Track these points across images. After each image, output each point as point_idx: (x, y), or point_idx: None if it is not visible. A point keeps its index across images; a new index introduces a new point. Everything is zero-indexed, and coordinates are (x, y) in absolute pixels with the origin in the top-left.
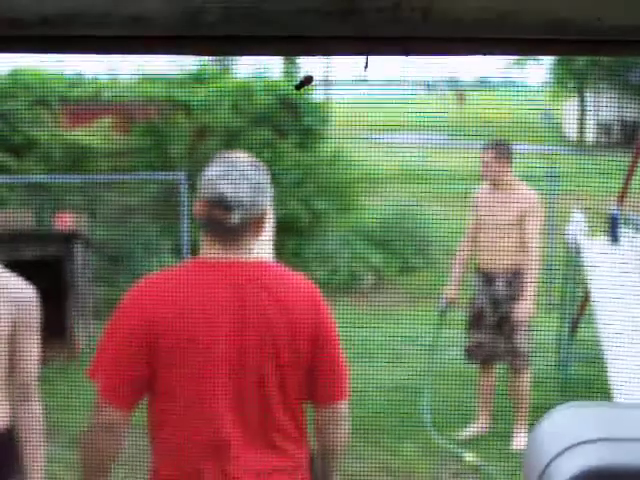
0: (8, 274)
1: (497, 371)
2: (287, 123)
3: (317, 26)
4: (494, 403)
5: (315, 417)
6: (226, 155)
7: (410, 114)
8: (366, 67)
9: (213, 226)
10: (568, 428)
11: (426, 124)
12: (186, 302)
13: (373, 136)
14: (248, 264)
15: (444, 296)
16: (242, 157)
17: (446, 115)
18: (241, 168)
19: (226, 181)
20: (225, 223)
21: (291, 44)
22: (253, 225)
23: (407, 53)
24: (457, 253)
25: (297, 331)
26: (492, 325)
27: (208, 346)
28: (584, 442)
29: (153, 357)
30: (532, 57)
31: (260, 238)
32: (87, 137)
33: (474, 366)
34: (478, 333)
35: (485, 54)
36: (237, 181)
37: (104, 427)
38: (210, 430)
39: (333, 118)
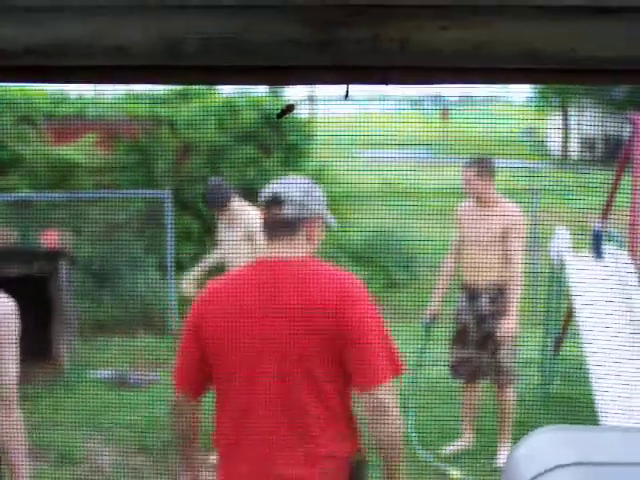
0: None
1: (481, 387)
2: (272, 140)
3: (297, 56)
4: (479, 419)
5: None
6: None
7: (394, 130)
8: (347, 96)
9: (268, 226)
10: (544, 452)
11: (410, 140)
12: (230, 299)
13: (357, 152)
14: (291, 261)
15: (427, 312)
16: (299, 177)
17: (430, 132)
18: (295, 180)
19: (281, 184)
20: (278, 219)
21: (271, 74)
22: (303, 225)
23: (386, 82)
24: (441, 269)
25: (325, 320)
26: (476, 341)
27: (249, 338)
28: (559, 466)
29: (207, 351)
30: (507, 85)
31: (310, 241)
32: (72, 154)
33: (458, 382)
34: (462, 349)
35: (461, 83)
36: (290, 184)
37: (178, 411)
38: (257, 417)
39: (317, 135)
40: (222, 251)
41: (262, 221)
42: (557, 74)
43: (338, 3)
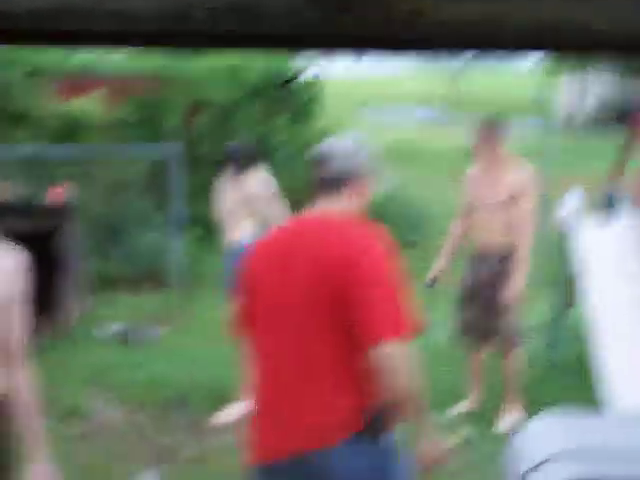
0: None
1: (488, 350)
2: (281, 99)
3: (308, 24)
4: (485, 382)
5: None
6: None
7: (403, 90)
8: (359, 60)
9: (316, 183)
10: (544, 439)
11: (420, 100)
12: (267, 250)
13: (366, 112)
14: (321, 216)
15: (430, 274)
16: (350, 135)
17: (440, 92)
18: (344, 140)
19: (332, 144)
20: (325, 176)
21: (282, 42)
22: (348, 183)
23: (398, 53)
24: (450, 231)
25: (334, 273)
26: (483, 304)
27: (275, 287)
28: (559, 454)
29: (249, 295)
30: (521, 55)
31: (355, 198)
32: (81, 109)
33: (465, 344)
34: (469, 312)
35: (476, 56)
36: (338, 143)
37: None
38: (280, 365)
39: (326, 93)
40: (221, 211)
41: (311, 178)
42: (574, 49)
43: None
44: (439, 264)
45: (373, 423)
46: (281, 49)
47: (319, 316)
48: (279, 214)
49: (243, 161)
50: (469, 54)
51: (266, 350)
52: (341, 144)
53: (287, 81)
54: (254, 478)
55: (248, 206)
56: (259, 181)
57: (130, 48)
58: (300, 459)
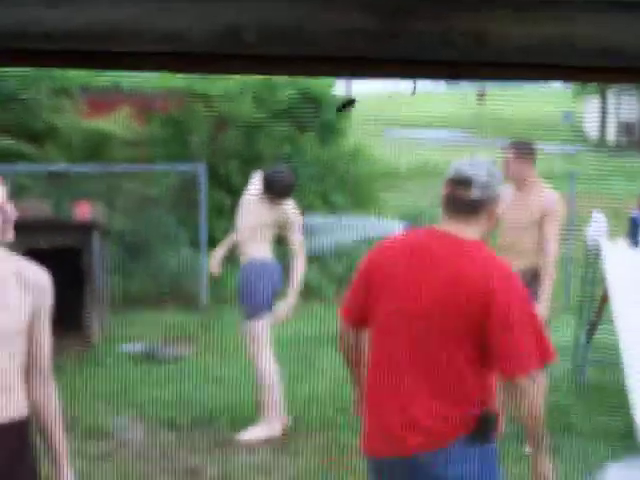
0: (24, 262)
1: None
2: (308, 117)
3: (362, 47)
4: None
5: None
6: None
7: (430, 111)
8: (414, 92)
9: (451, 203)
10: None
11: (446, 121)
12: (395, 256)
13: (393, 132)
14: (457, 238)
15: None
16: (483, 158)
17: (466, 113)
18: (482, 162)
19: (470, 164)
20: (464, 199)
21: (334, 66)
22: (485, 207)
23: (456, 78)
24: None
25: (472, 302)
26: None
27: (402, 295)
28: None
29: (369, 293)
30: (581, 83)
31: (486, 224)
32: (107, 126)
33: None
34: None
35: (538, 80)
36: (478, 166)
37: (343, 338)
38: (397, 363)
39: (353, 113)
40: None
41: (445, 197)
42: (633, 73)
43: None
44: None
45: (481, 430)
46: (333, 74)
47: (448, 330)
48: (300, 243)
49: (281, 189)
50: (533, 80)
51: (383, 350)
52: (481, 168)
53: (344, 105)
54: (367, 463)
55: (279, 230)
56: (293, 209)
57: (179, 71)
58: (408, 459)
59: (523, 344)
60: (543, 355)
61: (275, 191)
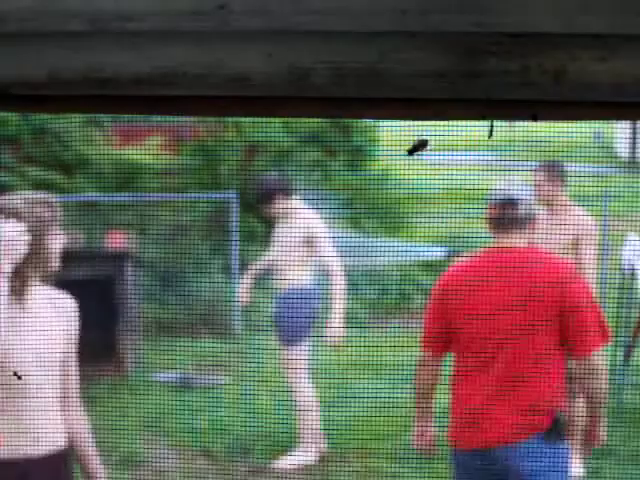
0: (54, 290)
1: None
2: (337, 142)
3: (437, 88)
4: None
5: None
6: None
7: (459, 133)
8: (491, 134)
9: (500, 221)
10: None
11: (476, 143)
12: (468, 277)
13: (422, 155)
14: (519, 249)
15: None
16: (518, 180)
17: (497, 134)
18: (520, 184)
19: (512, 187)
20: (514, 217)
21: (409, 107)
22: (529, 221)
23: (536, 118)
24: None
25: (547, 299)
26: None
27: (482, 308)
28: None
29: (450, 317)
30: None
31: (531, 233)
32: (137, 156)
33: None
34: None
35: (621, 119)
36: (519, 187)
37: (422, 366)
38: (486, 372)
39: (382, 137)
40: (275, 253)
41: (492, 217)
42: None
43: (484, 31)
44: None
45: (556, 430)
46: (405, 114)
47: (532, 331)
48: (334, 260)
49: (268, 190)
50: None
51: (469, 359)
52: (521, 189)
53: (416, 148)
54: (454, 457)
55: (308, 247)
56: (316, 221)
57: (247, 115)
58: (492, 452)
59: (593, 323)
60: (605, 335)
61: (257, 198)
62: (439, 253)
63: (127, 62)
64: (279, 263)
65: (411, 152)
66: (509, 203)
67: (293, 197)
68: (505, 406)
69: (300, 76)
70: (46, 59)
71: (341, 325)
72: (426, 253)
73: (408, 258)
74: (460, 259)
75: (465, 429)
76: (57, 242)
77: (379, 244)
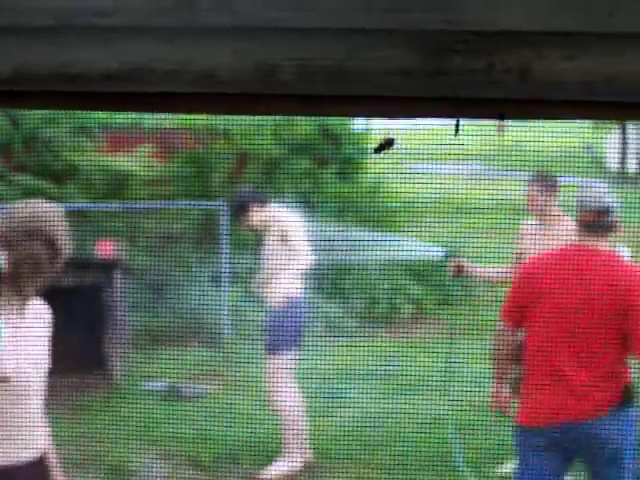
0: (35, 300)
1: None
2: (327, 152)
3: (404, 86)
4: None
5: None
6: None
7: (450, 144)
8: (457, 132)
9: (591, 225)
10: None
11: (466, 154)
12: (552, 266)
13: (413, 166)
14: (600, 250)
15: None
16: (604, 187)
17: (487, 145)
18: (608, 192)
19: (608, 198)
20: (605, 223)
21: (375, 105)
22: (615, 228)
23: (502, 117)
24: (494, 271)
25: (617, 295)
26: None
27: (560, 303)
28: None
29: (530, 297)
30: (634, 121)
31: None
32: (128, 164)
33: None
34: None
35: (588, 118)
36: (612, 197)
37: (500, 336)
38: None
39: (373, 147)
40: (264, 263)
41: (584, 221)
42: None
43: (450, 28)
44: (477, 270)
45: (628, 397)
46: (374, 114)
47: (601, 320)
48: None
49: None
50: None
51: (544, 339)
52: (611, 197)
53: (383, 146)
54: (524, 437)
55: (288, 250)
56: (291, 220)
57: (215, 112)
58: (574, 426)
59: None
60: None
61: (233, 211)
62: (432, 254)
63: (96, 58)
64: (268, 273)
65: (378, 150)
66: (604, 211)
67: (268, 206)
68: (581, 381)
69: (267, 73)
70: (13, 54)
71: (270, 280)
72: (417, 254)
73: (398, 259)
74: (547, 250)
75: (539, 406)
76: (65, 252)
77: (367, 238)
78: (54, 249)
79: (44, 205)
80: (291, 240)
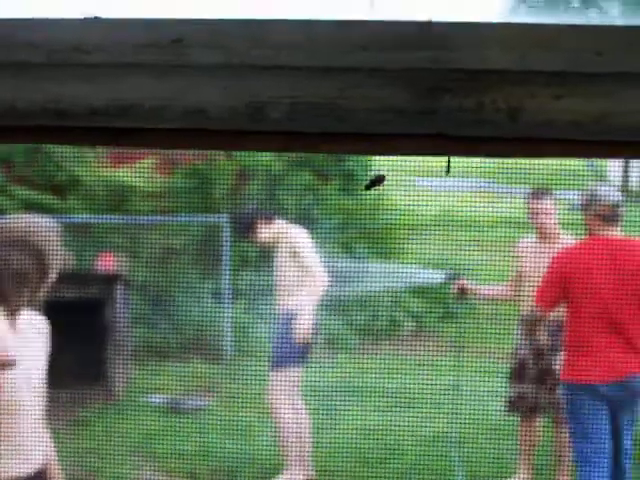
0: (31, 313)
1: (539, 423)
2: (329, 167)
3: (394, 124)
4: (536, 457)
5: None
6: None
7: (452, 159)
8: (448, 170)
9: (608, 218)
10: None
11: (469, 170)
12: (584, 255)
13: (415, 181)
14: (623, 239)
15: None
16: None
17: (488, 161)
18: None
19: (617, 194)
20: (616, 216)
21: (365, 142)
22: (622, 218)
23: (492, 155)
24: (499, 290)
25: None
26: (534, 376)
27: (595, 283)
28: None
29: (566, 282)
30: (624, 158)
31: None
32: (130, 178)
33: (516, 418)
34: (520, 384)
35: (578, 157)
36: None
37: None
38: (590, 331)
39: (375, 162)
40: (275, 278)
41: (605, 215)
42: None
43: (441, 67)
44: (480, 288)
45: None
46: (365, 151)
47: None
48: (316, 261)
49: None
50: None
51: (585, 313)
52: (620, 192)
53: (373, 183)
54: (574, 394)
55: (297, 264)
56: (300, 234)
57: (203, 148)
58: (619, 383)
59: None
60: None
61: (237, 230)
62: (433, 278)
63: (83, 94)
64: (278, 287)
65: (368, 187)
66: (617, 204)
67: (275, 221)
68: (617, 346)
69: (256, 110)
70: (1, 90)
71: (310, 324)
72: (419, 278)
73: (400, 284)
74: (574, 242)
75: (581, 365)
76: (55, 267)
77: (371, 269)
78: (43, 263)
79: (36, 219)
80: (304, 257)
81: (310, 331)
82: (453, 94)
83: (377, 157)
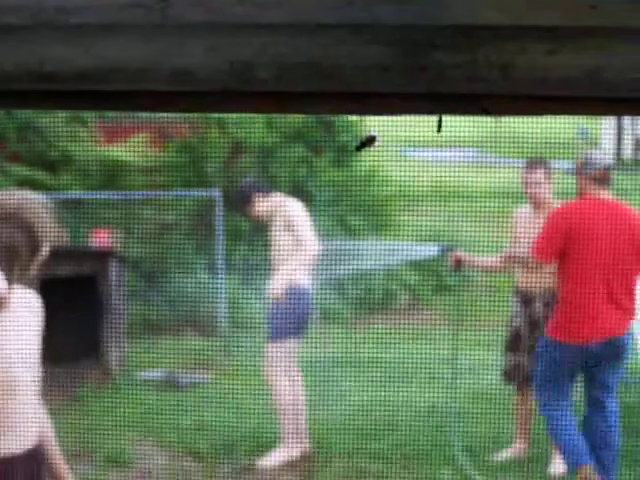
0: (23, 290)
1: (534, 394)
2: (322, 140)
3: (384, 83)
4: (532, 426)
5: None
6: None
7: (445, 131)
8: (439, 129)
9: (602, 181)
10: None
11: (461, 141)
12: (583, 212)
13: (409, 153)
14: (612, 201)
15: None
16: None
17: (482, 131)
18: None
19: (608, 158)
20: (608, 179)
21: (354, 102)
22: (611, 181)
23: (485, 112)
24: (493, 261)
25: (632, 240)
26: (529, 347)
27: (591, 240)
28: None
29: (566, 235)
30: (618, 116)
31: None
32: (122, 153)
33: (511, 388)
34: (515, 355)
35: (571, 114)
36: (610, 157)
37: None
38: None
39: (355, 145)
40: (271, 252)
41: (599, 178)
42: None
43: (431, 24)
44: (475, 261)
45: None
46: (352, 109)
47: (627, 253)
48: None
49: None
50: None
51: (580, 269)
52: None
53: (364, 143)
54: (564, 353)
55: (293, 236)
56: (295, 206)
57: (190, 110)
58: (607, 343)
59: None
60: None
61: (235, 205)
62: (427, 252)
63: (68, 57)
64: (274, 261)
65: (359, 148)
66: (609, 168)
67: (272, 195)
68: (607, 305)
69: (243, 70)
70: None
71: (304, 292)
72: (413, 252)
73: (394, 258)
74: (571, 201)
75: (571, 324)
76: (46, 242)
77: (366, 245)
78: (34, 238)
79: (27, 195)
80: (297, 228)
81: (307, 303)
82: (443, 50)
83: (369, 129)
